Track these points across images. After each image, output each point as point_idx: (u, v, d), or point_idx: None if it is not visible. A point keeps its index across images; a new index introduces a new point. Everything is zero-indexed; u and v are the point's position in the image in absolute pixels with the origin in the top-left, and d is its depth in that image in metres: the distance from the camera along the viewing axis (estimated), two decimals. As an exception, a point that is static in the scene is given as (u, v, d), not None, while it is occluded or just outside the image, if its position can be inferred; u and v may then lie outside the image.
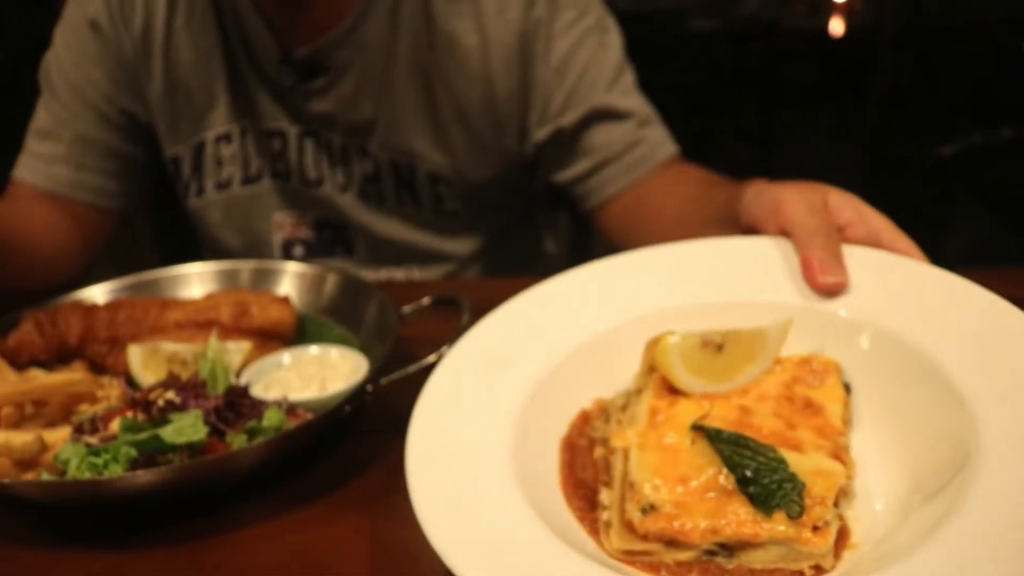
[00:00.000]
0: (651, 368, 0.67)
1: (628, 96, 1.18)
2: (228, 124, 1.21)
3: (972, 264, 0.77)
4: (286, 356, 0.84)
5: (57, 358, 0.87)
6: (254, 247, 1.26)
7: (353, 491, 0.70)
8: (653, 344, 0.66)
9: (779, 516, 0.54)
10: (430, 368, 0.70)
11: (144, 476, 0.63)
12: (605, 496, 0.61)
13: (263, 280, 0.98)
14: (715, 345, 0.65)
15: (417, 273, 1.26)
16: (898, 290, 0.67)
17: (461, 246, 1.26)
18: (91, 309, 0.89)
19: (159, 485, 0.64)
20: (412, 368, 0.74)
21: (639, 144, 1.16)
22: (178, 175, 1.26)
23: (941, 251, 0.75)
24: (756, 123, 4.01)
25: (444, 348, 0.74)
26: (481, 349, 0.70)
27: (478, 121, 1.18)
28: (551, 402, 0.67)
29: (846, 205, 0.74)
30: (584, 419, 0.68)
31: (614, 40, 1.19)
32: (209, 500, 0.68)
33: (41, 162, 1.19)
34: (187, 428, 0.65)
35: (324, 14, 1.13)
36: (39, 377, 0.77)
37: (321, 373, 0.80)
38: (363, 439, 0.76)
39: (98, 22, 1.18)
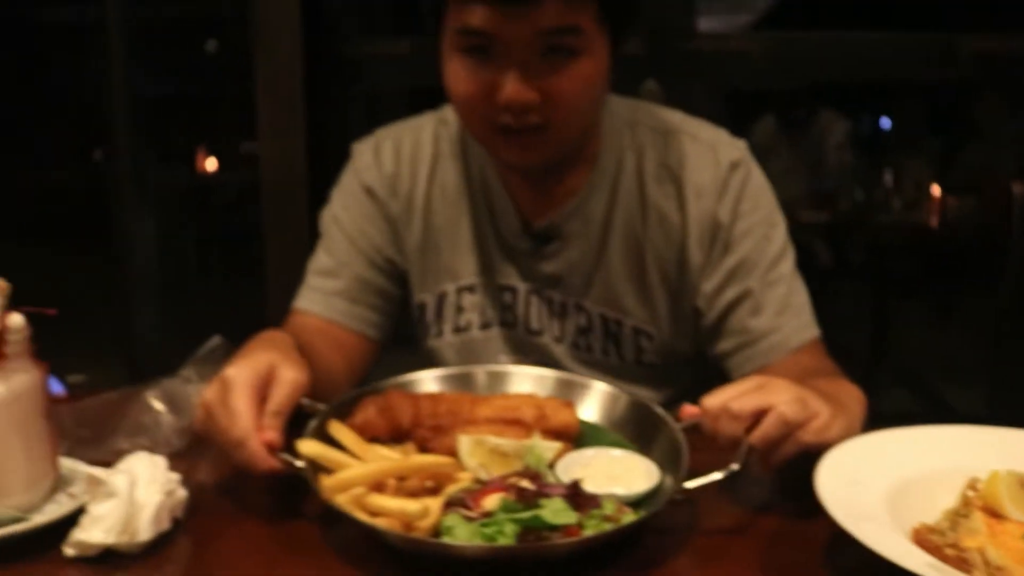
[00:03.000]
0: (967, 501, 0.87)
1: (777, 285, 1.37)
2: (470, 278, 1.46)
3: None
4: (589, 454, 1.03)
5: (391, 438, 1.08)
6: None
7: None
8: (974, 481, 0.88)
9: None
10: (730, 477, 0.90)
11: (560, 544, 0.84)
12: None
13: (560, 389, 1.19)
14: None
15: None
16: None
17: (655, 396, 1.45)
18: (417, 399, 1.11)
19: (549, 556, 0.85)
20: (716, 475, 0.92)
21: (775, 332, 1.34)
22: (421, 318, 1.51)
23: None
24: (866, 311, 4.21)
25: (733, 465, 0.93)
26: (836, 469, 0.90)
27: (675, 284, 1.40)
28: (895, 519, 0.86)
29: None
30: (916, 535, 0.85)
31: (779, 233, 1.40)
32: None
33: (322, 295, 1.46)
34: (560, 512, 0.85)
35: (560, 192, 1.39)
36: (414, 456, 0.99)
37: (624, 473, 0.98)
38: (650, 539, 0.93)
39: (373, 189, 1.48)
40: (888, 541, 0.78)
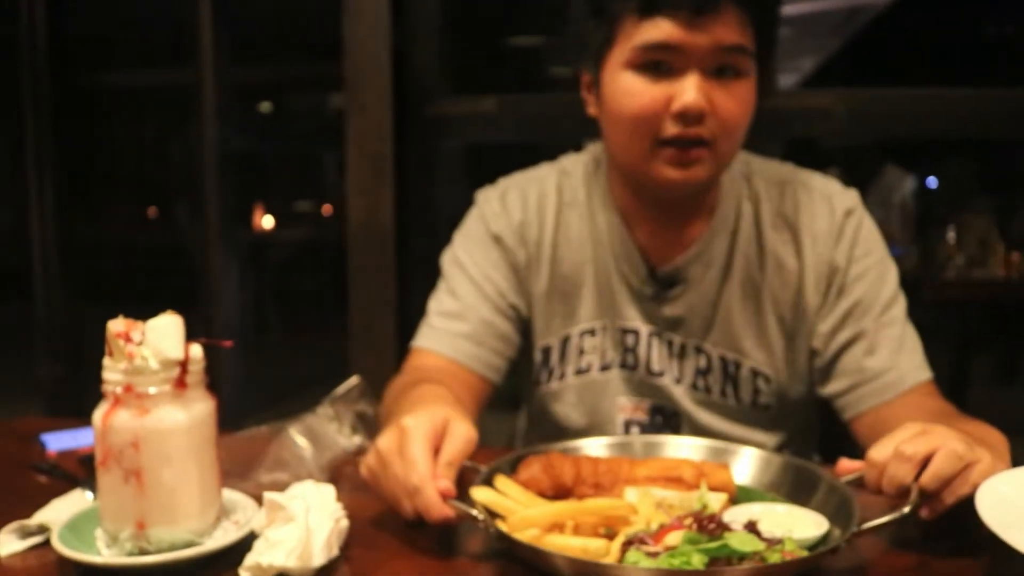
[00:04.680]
0: None
1: (891, 326, 1.40)
2: (593, 321, 1.50)
3: None
4: (755, 508, 1.03)
5: (554, 495, 1.09)
6: (598, 426, 1.52)
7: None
8: None
9: None
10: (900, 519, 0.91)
11: (748, 570, 0.84)
12: None
13: (715, 455, 1.20)
14: None
15: None
16: None
17: (770, 438, 1.50)
18: (578, 460, 1.12)
19: None
20: (888, 518, 0.92)
21: (891, 371, 1.38)
22: (545, 362, 1.54)
23: None
24: (942, 369, 4.17)
25: (905, 508, 0.93)
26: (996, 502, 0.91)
27: (791, 327, 1.45)
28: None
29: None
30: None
31: (891, 277, 1.45)
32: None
33: (448, 336, 1.49)
34: (747, 541, 0.85)
35: (683, 239, 1.44)
36: (589, 500, 0.99)
37: (793, 523, 0.98)
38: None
39: (501, 237, 1.52)
40: None
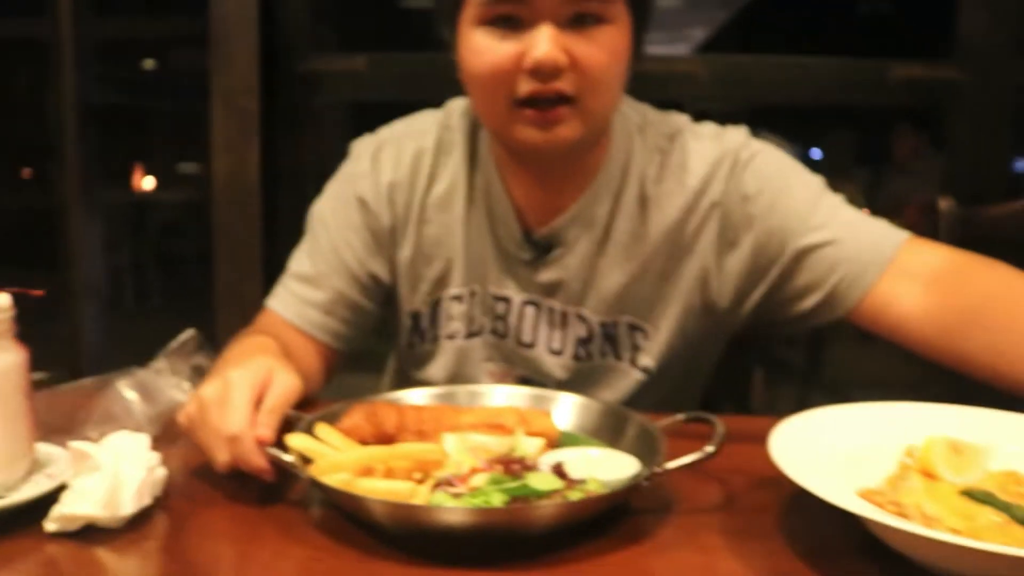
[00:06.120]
0: (905, 467, 0.95)
1: (830, 222, 1.32)
2: (461, 287, 1.45)
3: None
4: (571, 452, 1.06)
5: (377, 444, 1.10)
6: None
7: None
8: (911, 449, 0.96)
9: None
10: (703, 459, 0.95)
11: (547, 507, 0.86)
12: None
13: (537, 403, 1.21)
14: (957, 448, 0.93)
15: None
16: None
17: (649, 404, 1.43)
18: (402, 408, 1.13)
19: (536, 521, 0.86)
20: (690, 458, 0.96)
21: (861, 250, 1.29)
22: (415, 327, 1.50)
23: None
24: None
25: (708, 447, 0.97)
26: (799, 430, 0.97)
27: (685, 284, 1.39)
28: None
29: None
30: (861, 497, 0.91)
31: (800, 185, 1.35)
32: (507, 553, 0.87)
33: (298, 302, 1.46)
34: (548, 479, 0.88)
35: (564, 199, 1.38)
36: (401, 444, 1.00)
37: (605, 465, 1.01)
38: (635, 518, 0.97)
39: (366, 201, 1.46)
40: (839, 495, 0.83)
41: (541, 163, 1.35)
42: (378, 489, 0.92)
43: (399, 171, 1.45)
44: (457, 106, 1.48)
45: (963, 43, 2.74)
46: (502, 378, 1.47)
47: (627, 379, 1.44)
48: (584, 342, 1.43)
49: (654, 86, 2.69)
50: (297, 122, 2.85)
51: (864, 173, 6.78)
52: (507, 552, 0.86)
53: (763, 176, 1.36)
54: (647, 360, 1.43)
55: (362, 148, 1.50)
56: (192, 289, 3.66)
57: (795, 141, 6.45)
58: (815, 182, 1.38)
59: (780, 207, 1.34)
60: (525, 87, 1.21)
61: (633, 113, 1.43)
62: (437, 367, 1.49)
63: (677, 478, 1.02)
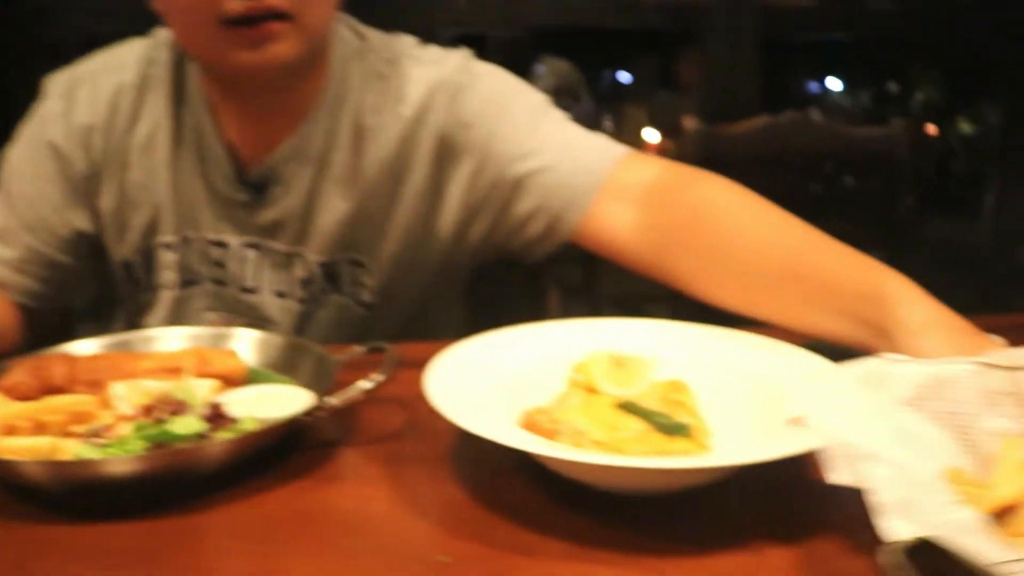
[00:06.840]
0: (572, 383, 0.96)
1: (540, 153, 1.29)
2: (171, 234, 1.36)
3: None
4: (247, 391, 1.02)
5: (45, 397, 1.03)
6: None
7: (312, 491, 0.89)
8: (578, 365, 0.97)
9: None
10: (369, 391, 0.94)
11: (154, 457, 0.82)
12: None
13: (219, 342, 1.15)
14: (620, 362, 0.96)
15: None
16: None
17: (383, 338, 1.43)
18: (74, 358, 1.06)
19: (158, 468, 0.82)
20: (354, 390, 0.95)
21: (576, 174, 1.27)
22: (129, 277, 1.40)
23: None
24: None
25: (376, 375, 0.96)
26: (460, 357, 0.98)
27: (404, 215, 1.34)
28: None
29: None
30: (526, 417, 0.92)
31: (518, 108, 1.32)
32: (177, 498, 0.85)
33: None
34: (188, 423, 0.84)
35: (279, 131, 1.30)
36: (50, 399, 0.94)
37: (278, 402, 0.98)
38: (313, 451, 0.96)
39: (58, 147, 1.33)
40: (490, 426, 0.83)
41: (255, 92, 1.27)
42: (18, 447, 0.86)
43: (96, 112, 1.32)
44: (164, 36, 1.35)
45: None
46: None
47: (351, 316, 1.40)
48: (307, 283, 1.37)
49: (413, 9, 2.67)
50: (26, 57, 2.64)
51: (666, 96, 6.95)
52: (181, 494, 0.84)
53: (482, 101, 1.32)
54: (367, 295, 1.39)
55: (54, 86, 1.36)
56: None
57: (604, 65, 6.57)
58: (537, 103, 1.35)
59: (499, 134, 1.30)
60: (233, 4, 1.10)
61: (353, 37, 1.36)
62: (155, 318, 1.41)
63: (365, 408, 1.02)
